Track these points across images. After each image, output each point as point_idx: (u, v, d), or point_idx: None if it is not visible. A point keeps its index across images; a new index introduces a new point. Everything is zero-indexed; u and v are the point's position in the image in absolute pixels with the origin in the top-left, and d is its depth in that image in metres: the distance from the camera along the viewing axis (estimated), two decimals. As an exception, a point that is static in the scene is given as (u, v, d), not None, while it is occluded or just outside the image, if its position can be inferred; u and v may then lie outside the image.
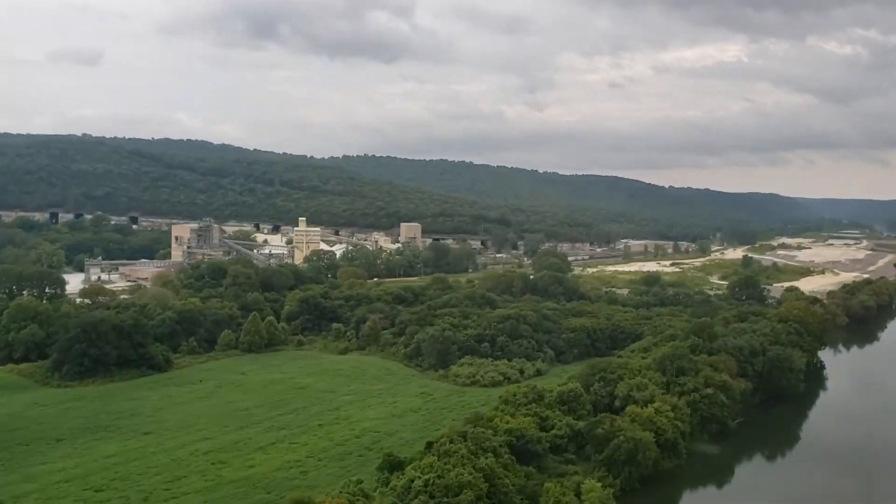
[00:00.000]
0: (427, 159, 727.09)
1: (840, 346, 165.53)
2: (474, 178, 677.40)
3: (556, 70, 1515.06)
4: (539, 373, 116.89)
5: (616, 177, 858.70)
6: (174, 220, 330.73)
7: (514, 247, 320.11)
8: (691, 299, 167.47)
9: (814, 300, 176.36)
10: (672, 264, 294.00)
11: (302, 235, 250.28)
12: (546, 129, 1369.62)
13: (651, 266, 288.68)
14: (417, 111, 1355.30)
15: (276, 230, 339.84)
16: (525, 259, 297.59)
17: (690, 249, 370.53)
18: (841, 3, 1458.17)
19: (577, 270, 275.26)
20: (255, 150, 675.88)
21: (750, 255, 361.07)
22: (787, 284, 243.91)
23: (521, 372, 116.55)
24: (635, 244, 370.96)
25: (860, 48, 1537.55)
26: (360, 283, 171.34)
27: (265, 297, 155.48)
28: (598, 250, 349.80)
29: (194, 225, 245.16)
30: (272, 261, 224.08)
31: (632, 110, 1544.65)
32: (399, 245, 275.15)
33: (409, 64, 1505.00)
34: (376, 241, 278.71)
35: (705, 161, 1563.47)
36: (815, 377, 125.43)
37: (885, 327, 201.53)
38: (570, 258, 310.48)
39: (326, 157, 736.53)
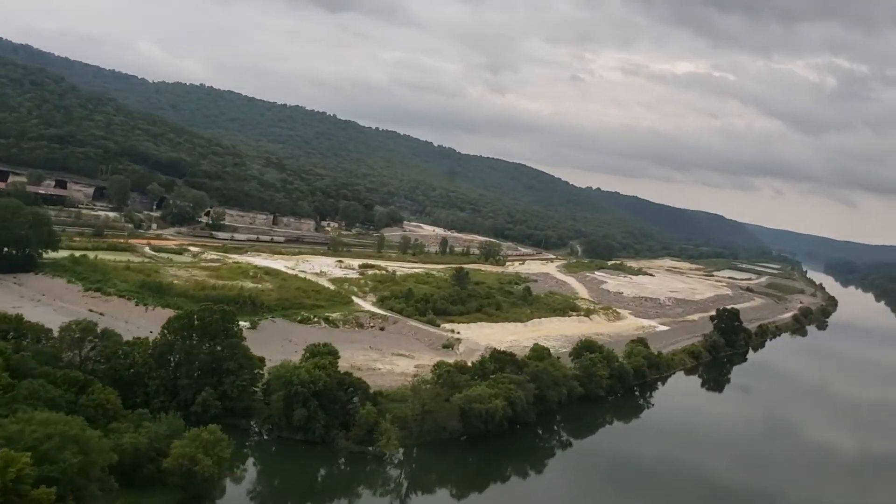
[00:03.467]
0: (272, 101, 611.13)
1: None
2: (323, 133, 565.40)
3: (520, 54, 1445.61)
4: None
5: (521, 164, 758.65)
6: None
7: (161, 205, 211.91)
8: None
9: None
10: (337, 261, 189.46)
11: None
12: (510, 116, 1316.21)
13: (320, 262, 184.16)
14: (377, 75, 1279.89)
15: None
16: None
17: (472, 252, 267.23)
18: (807, 17, 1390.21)
19: (184, 257, 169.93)
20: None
21: (562, 274, 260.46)
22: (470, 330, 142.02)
23: None
24: (391, 234, 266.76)
25: (827, 74, 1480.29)
26: None
27: None
28: (307, 232, 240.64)
29: None
30: None
31: (598, 111, 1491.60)
32: None
33: (355, 17, 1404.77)
34: None
35: (673, 176, 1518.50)
36: None
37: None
38: (228, 235, 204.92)
39: (158, 81, 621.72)
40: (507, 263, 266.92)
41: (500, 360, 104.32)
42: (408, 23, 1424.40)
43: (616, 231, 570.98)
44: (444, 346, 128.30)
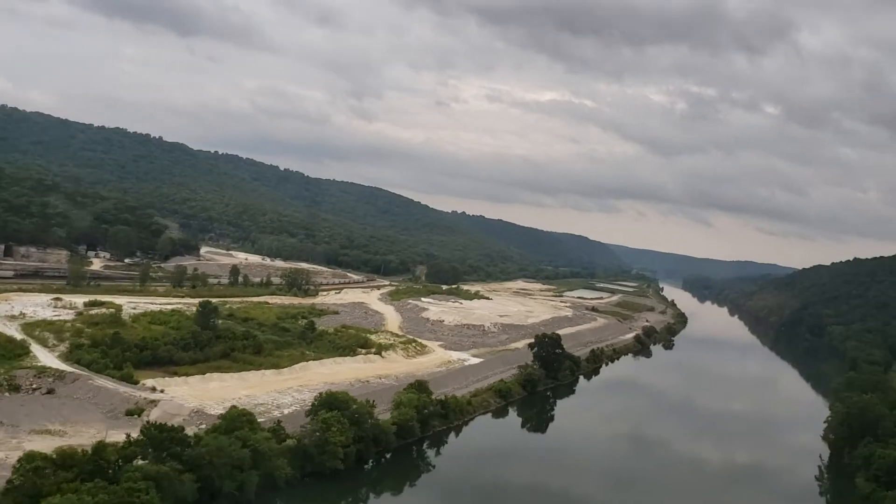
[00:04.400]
0: (87, 123, 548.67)
1: None
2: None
3: (384, 80, 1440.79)
4: None
5: (378, 188, 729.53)
6: None
7: None
8: None
9: None
10: (53, 299, 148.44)
11: None
12: (382, 145, 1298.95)
13: (27, 302, 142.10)
14: (239, 103, 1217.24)
15: None
16: None
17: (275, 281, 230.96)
18: (655, 41, 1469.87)
19: None
20: None
21: (382, 302, 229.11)
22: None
23: None
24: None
25: (677, 98, 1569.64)
26: None
27: None
28: (54, 264, 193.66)
29: None
30: None
31: (472, 140, 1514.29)
32: None
33: (206, 41, 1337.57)
34: None
35: (544, 200, 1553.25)
36: None
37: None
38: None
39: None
40: (321, 293, 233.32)
41: (154, 437, 69.88)
42: (265, 48, 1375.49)
43: (473, 254, 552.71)
44: (129, 413, 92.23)
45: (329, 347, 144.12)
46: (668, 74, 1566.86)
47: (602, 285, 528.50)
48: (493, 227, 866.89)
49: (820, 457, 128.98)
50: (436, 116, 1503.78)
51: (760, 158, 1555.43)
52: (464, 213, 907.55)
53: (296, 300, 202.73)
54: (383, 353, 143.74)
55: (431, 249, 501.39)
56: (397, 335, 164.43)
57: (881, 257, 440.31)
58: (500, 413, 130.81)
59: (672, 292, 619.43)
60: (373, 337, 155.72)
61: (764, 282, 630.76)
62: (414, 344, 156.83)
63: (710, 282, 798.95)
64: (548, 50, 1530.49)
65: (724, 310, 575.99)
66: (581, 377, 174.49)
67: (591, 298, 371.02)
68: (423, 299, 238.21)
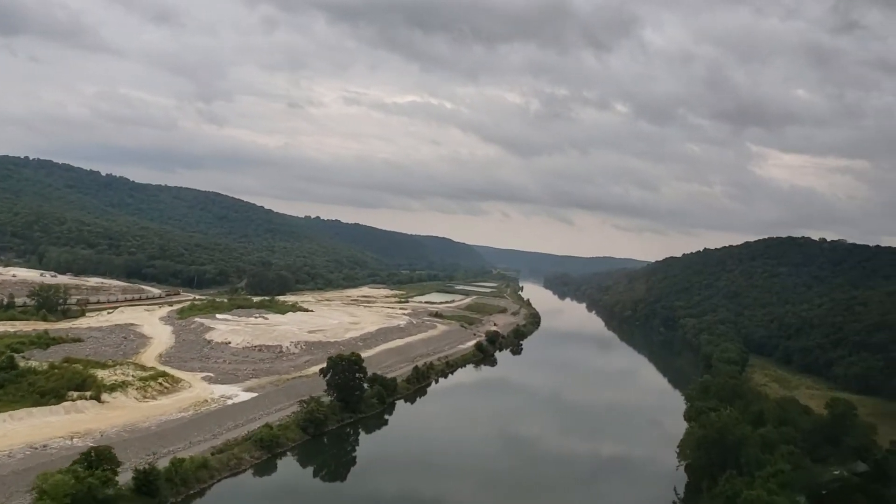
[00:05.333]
0: None
1: None
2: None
3: (234, 82, 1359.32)
4: None
5: (215, 193, 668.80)
6: None
7: None
8: None
9: None
10: None
11: None
12: (237, 151, 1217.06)
13: None
14: (77, 109, 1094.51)
15: None
16: None
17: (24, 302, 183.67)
18: (505, 38, 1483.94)
19: None
20: None
21: (164, 322, 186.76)
22: None
23: None
24: None
25: (531, 97, 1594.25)
26: None
27: None
28: None
29: None
30: None
31: (336, 145, 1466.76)
32: None
33: (30, 41, 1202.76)
34: None
35: (410, 204, 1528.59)
36: None
37: None
38: None
39: None
40: (90, 313, 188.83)
41: None
42: (101, 49, 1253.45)
43: (321, 260, 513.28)
44: None
45: (26, 393, 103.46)
46: (521, 74, 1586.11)
47: (460, 287, 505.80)
48: (350, 232, 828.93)
49: (675, 489, 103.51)
50: (297, 122, 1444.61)
51: (613, 156, 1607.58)
52: (318, 217, 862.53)
53: (32, 325, 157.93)
54: (104, 397, 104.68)
55: (272, 257, 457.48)
56: (145, 368, 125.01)
57: (729, 246, 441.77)
58: (262, 471, 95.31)
59: (534, 290, 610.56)
60: (104, 373, 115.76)
61: (619, 275, 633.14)
62: (163, 379, 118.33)
63: (569, 278, 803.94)
64: (401, 48, 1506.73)
65: (583, 305, 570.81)
66: (402, 401, 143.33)
67: (441, 302, 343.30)
68: (217, 316, 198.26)
